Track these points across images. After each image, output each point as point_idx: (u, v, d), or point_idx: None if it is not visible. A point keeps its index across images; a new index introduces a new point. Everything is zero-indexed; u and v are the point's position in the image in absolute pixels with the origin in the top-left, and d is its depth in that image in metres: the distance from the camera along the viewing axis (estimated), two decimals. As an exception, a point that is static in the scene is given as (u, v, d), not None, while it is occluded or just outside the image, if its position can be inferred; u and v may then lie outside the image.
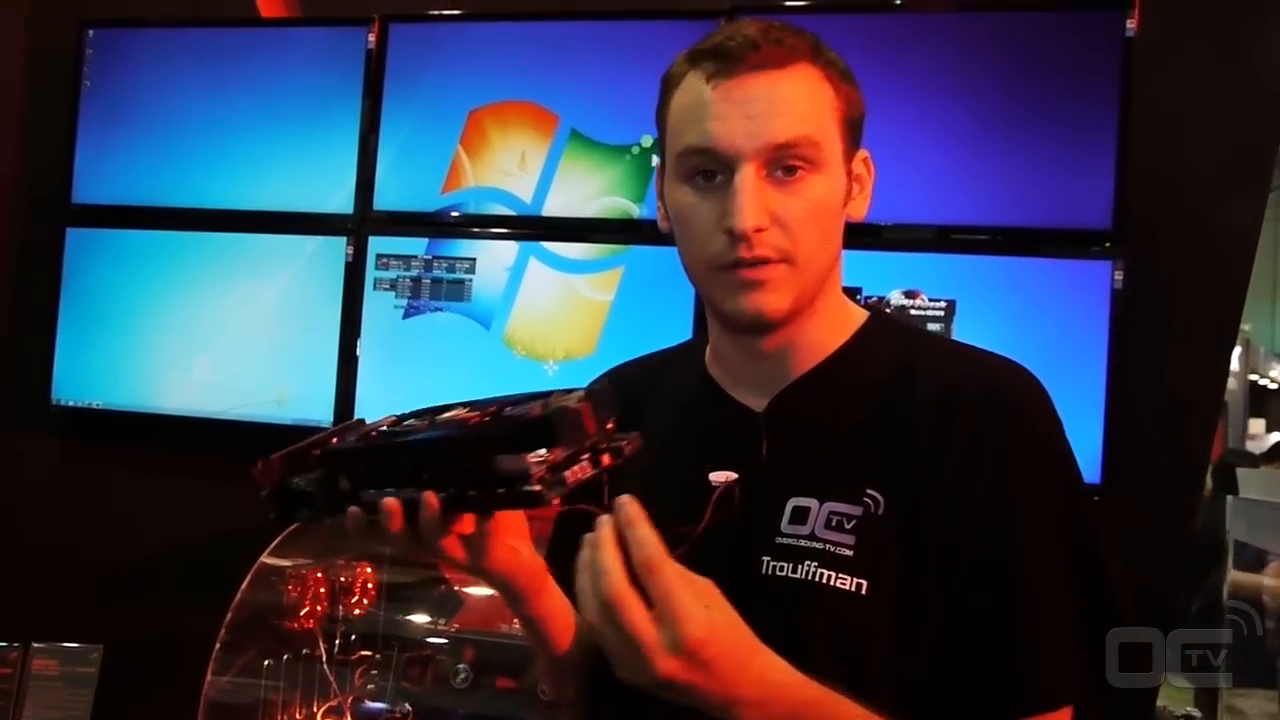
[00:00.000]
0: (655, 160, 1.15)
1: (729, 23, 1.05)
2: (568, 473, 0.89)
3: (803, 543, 1.03)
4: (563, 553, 1.20)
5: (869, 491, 1.02)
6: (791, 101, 1.01)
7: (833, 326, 1.11)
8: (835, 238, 1.07)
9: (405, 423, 1.01)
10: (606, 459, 0.93)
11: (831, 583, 1.00)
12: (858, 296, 2.22)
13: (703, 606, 0.86)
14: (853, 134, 1.07)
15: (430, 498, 0.92)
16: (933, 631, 0.99)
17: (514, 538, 1.04)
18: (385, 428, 1.01)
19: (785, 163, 1.01)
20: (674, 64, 1.09)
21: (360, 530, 0.97)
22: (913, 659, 0.99)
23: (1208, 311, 2.31)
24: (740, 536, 1.06)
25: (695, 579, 0.88)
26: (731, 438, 1.10)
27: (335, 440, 1.02)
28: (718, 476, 1.08)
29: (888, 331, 1.14)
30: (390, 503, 0.94)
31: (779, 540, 1.04)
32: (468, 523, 0.98)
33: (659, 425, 1.16)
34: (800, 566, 1.02)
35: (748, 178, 1.00)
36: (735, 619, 0.89)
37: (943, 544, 0.99)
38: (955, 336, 2.26)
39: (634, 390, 1.21)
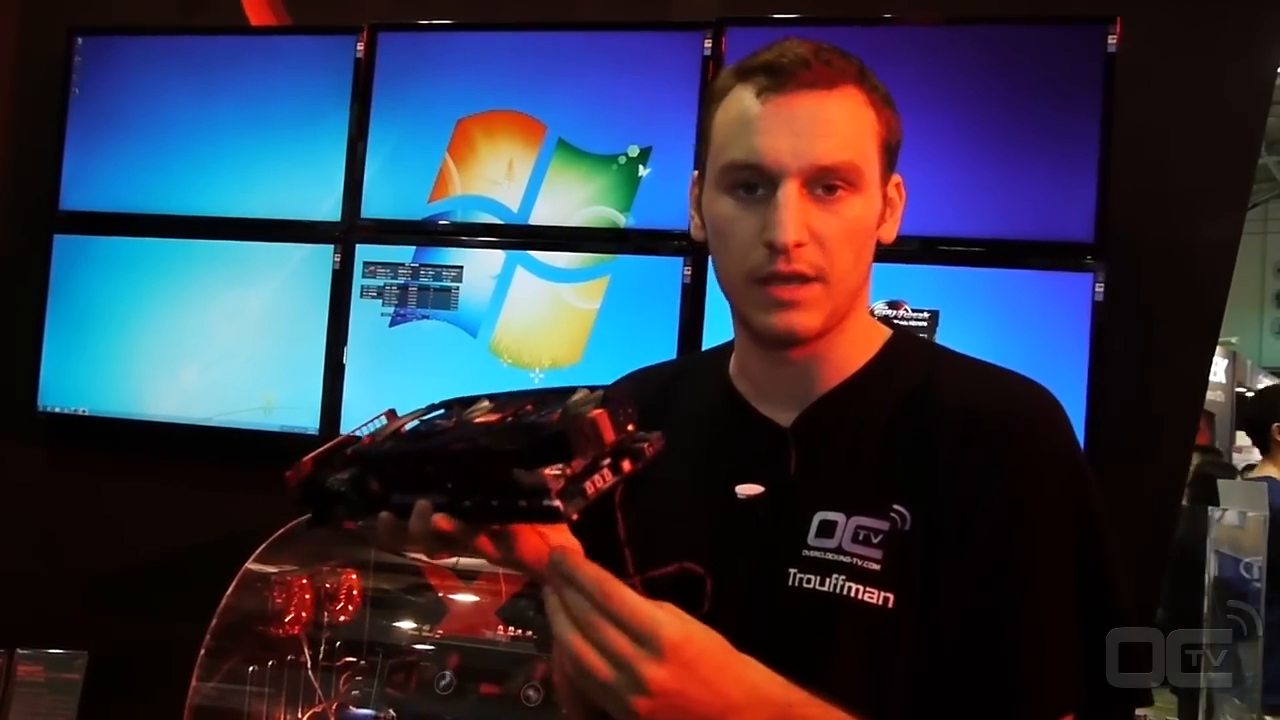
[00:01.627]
0: (694, 172, 1.15)
1: (779, 41, 1.06)
2: (588, 483, 0.89)
3: (830, 556, 1.04)
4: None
5: (895, 506, 1.03)
6: (837, 124, 1.03)
7: (858, 344, 1.12)
8: (867, 258, 1.08)
9: (433, 416, 1.00)
10: (627, 465, 0.92)
11: (859, 596, 1.01)
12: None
13: (670, 612, 0.87)
14: (890, 158, 1.09)
15: (440, 520, 0.93)
16: (952, 645, 1.00)
17: (548, 529, 1.05)
18: (414, 423, 1.01)
19: (826, 182, 1.03)
20: (720, 77, 1.10)
21: (391, 533, 0.98)
22: (934, 672, 1.00)
23: (1187, 324, 2.33)
24: (766, 549, 1.07)
25: (656, 601, 0.88)
26: (758, 453, 1.11)
27: (367, 440, 1.02)
28: (745, 490, 1.09)
29: (910, 349, 1.15)
30: (422, 506, 0.94)
31: (806, 553, 1.05)
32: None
33: (681, 436, 1.15)
34: (828, 579, 1.03)
35: (790, 193, 1.02)
36: (704, 625, 0.89)
37: (956, 557, 1.01)
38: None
39: (655, 399, 1.22)
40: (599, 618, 0.85)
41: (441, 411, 1.01)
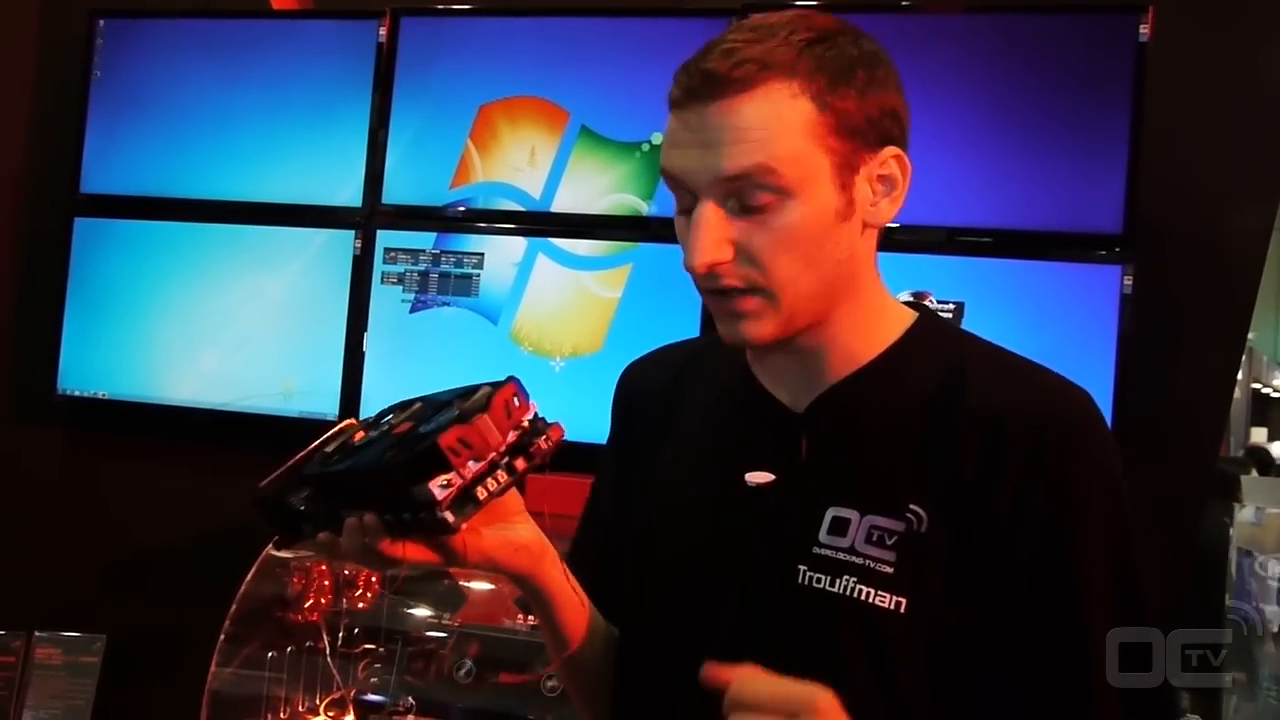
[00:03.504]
0: None
1: (715, 38, 0.99)
2: (480, 488, 0.90)
3: (841, 556, 1.01)
4: (583, 555, 1.20)
5: (912, 507, 1.00)
6: (745, 130, 0.95)
7: (871, 330, 1.06)
8: (830, 255, 1.00)
9: (383, 425, 1.01)
10: (521, 463, 0.93)
11: (871, 599, 0.98)
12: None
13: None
14: (861, 139, 0.99)
15: (327, 540, 0.97)
16: (970, 653, 0.98)
17: (501, 520, 1.02)
18: (368, 433, 1.01)
19: (746, 193, 0.96)
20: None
21: (331, 550, 0.99)
22: (949, 678, 0.98)
23: (1216, 317, 2.31)
24: (776, 542, 1.04)
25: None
26: (770, 438, 1.08)
27: (307, 457, 1.03)
28: (754, 477, 1.06)
29: (935, 337, 1.09)
30: (350, 524, 0.96)
31: (817, 551, 1.02)
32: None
33: (694, 416, 1.15)
34: (838, 580, 1.00)
35: (703, 213, 0.97)
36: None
37: (994, 574, 0.98)
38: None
39: (672, 378, 1.20)
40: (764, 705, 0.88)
41: (390, 417, 1.01)
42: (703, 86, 0.96)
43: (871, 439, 1.04)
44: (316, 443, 1.04)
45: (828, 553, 1.01)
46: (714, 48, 0.98)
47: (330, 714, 2.38)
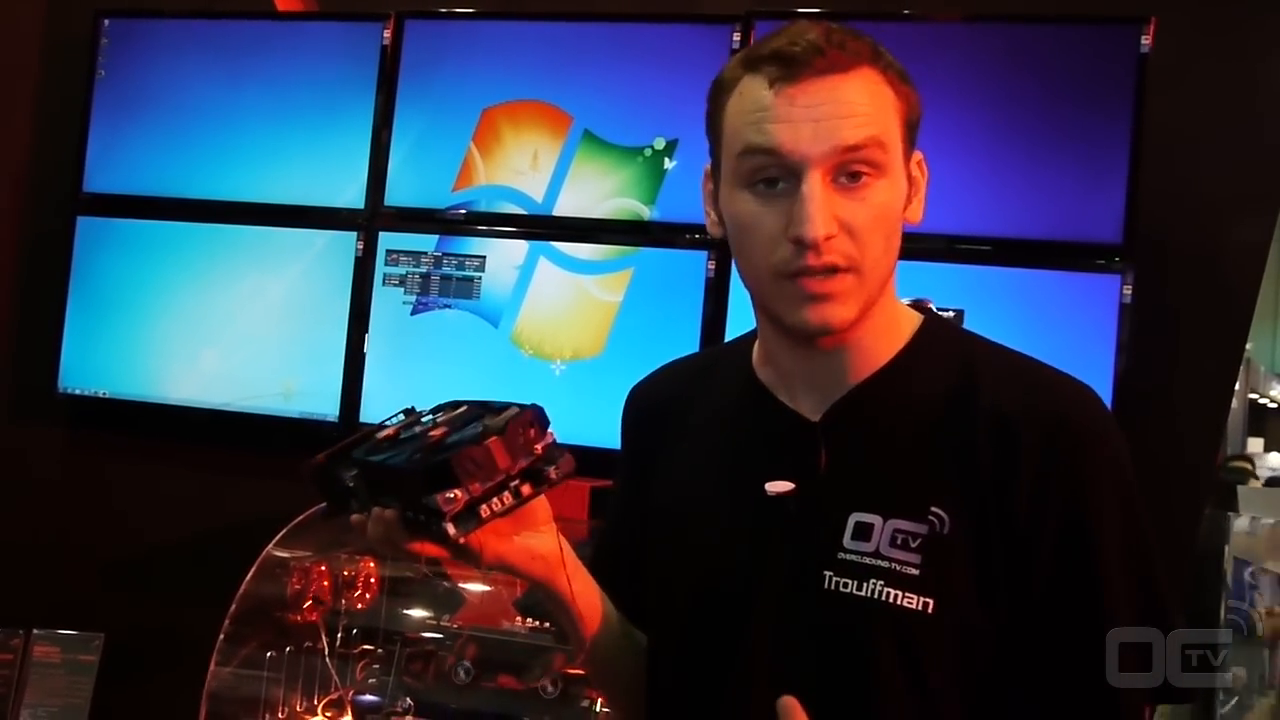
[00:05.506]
0: (705, 166, 1.13)
1: (787, 26, 1.02)
2: (484, 507, 0.95)
3: (867, 560, 1.01)
4: (603, 567, 1.21)
5: (934, 509, 1.01)
6: (857, 104, 0.99)
7: (888, 332, 1.08)
8: (896, 243, 1.04)
9: (426, 422, 1.06)
10: (527, 489, 0.97)
11: (898, 601, 0.99)
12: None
13: None
14: (911, 136, 1.06)
15: (359, 522, 1.02)
16: (993, 654, 1.00)
17: (527, 527, 1.05)
18: (411, 429, 1.06)
19: (851, 168, 0.99)
20: (726, 69, 1.06)
21: (360, 533, 1.03)
22: (976, 677, 1.00)
23: (1215, 327, 2.31)
24: (800, 550, 1.05)
25: None
26: (787, 448, 1.08)
27: (365, 438, 1.08)
28: (774, 487, 1.06)
29: (943, 338, 1.12)
30: (377, 514, 1.01)
31: (842, 556, 1.02)
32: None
33: (707, 432, 1.16)
34: (865, 584, 1.01)
35: (815, 184, 0.98)
36: None
37: (1014, 576, 0.99)
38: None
39: (682, 394, 1.21)
40: None
41: (435, 417, 1.07)
42: (815, 61, 0.99)
43: (889, 443, 1.05)
44: (377, 424, 1.09)
45: (853, 557, 1.02)
46: (798, 33, 1.01)
47: (328, 714, 2.38)
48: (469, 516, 0.94)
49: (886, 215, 1.01)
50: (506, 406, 0.98)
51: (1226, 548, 3.02)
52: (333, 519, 1.12)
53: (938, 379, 1.06)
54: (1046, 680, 1.00)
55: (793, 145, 0.98)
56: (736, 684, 1.06)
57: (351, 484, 1.05)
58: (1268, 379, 10.79)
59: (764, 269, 1.02)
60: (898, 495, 1.02)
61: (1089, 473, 1.00)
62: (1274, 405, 11.24)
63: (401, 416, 1.10)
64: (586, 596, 1.12)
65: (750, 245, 1.03)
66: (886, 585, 1.00)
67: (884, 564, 1.01)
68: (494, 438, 0.94)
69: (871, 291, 1.02)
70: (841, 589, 1.02)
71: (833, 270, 0.99)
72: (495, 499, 0.95)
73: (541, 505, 1.06)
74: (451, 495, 0.93)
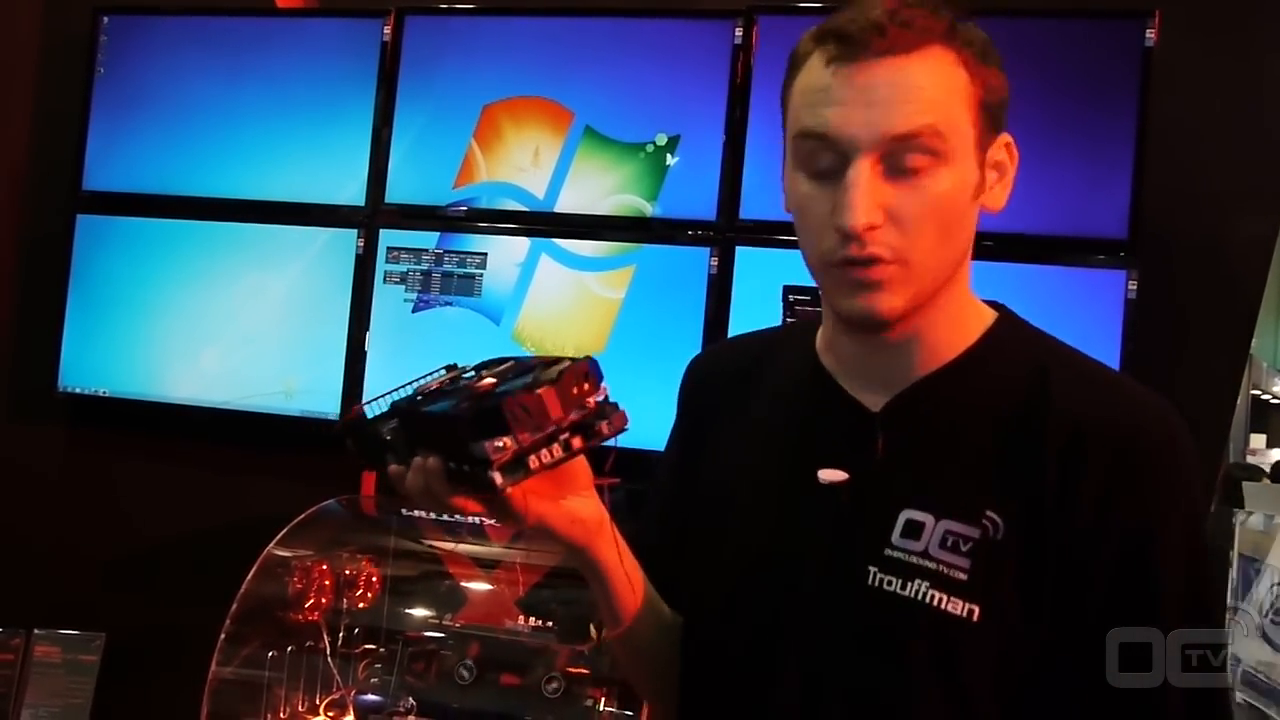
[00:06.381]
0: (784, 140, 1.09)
1: (851, 6, 0.98)
2: (533, 457, 0.92)
3: (914, 559, 0.99)
4: (645, 540, 1.18)
5: (988, 513, 0.98)
6: (916, 89, 0.95)
7: (959, 326, 1.05)
8: (960, 234, 1.00)
9: (468, 376, 1.05)
10: (578, 441, 0.94)
11: (942, 606, 0.97)
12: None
13: None
14: (992, 120, 1.01)
15: (397, 473, 1.00)
16: (1034, 667, 0.97)
17: (568, 491, 1.03)
18: (455, 380, 1.05)
19: (905, 155, 0.95)
20: (801, 41, 1.02)
21: (399, 484, 1.01)
22: (1016, 685, 0.97)
23: (1220, 322, 2.30)
24: (847, 542, 1.02)
25: None
26: (844, 436, 1.05)
27: (406, 390, 1.07)
28: (827, 475, 1.04)
29: (1017, 338, 1.08)
30: (416, 464, 0.98)
31: (889, 553, 1.00)
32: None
33: (768, 406, 1.13)
34: (910, 584, 0.98)
35: (862, 171, 0.94)
36: None
37: (1065, 590, 0.96)
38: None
39: (743, 368, 1.18)
40: None
41: (481, 371, 1.04)
42: (874, 42, 0.95)
43: (949, 441, 1.02)
44: (417, 378, 1.08)
45: (900, 555, 1.00)
46: (864, 10, 0.96)
47: (330, 714, 2.37)
48: (517, 466, 0.92)
49: (944, 205, 0.97)
50: (558, 360, 0.96)
51: (1234, 544, 3.01)
52: (368, 469, 1.10)
53: (1008, 379, 1.03)
54: (1090, 692, 0.96)
55: (841, 127, 0.95)
56: (769, 673, 1.04)
57: (389, 436, 1.03)
58: (1270, 375, 10.78)
59: (815, 256, 1.00)
60: (952, 496, 0.99)
61: (1160, 491, 0.97)
62: (1276, 401, 11.24)
63: (443, 372, 1.08)
64: (625, 568, 1.09)
65: (804, 230, 1.01)
66: (932, 588, 0.98)
67: (931, 565, 0.98)
68: (547, 386, 0.91)
69: (924, 283, 0.98)
70: (885, 587, 0.99)
71: (877, 261, 0.96)
72: (544, 450, 0.92)
73: (583, 469, 1.04)
74: (500, 444, 0.90)
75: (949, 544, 0.98)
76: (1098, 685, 0.96)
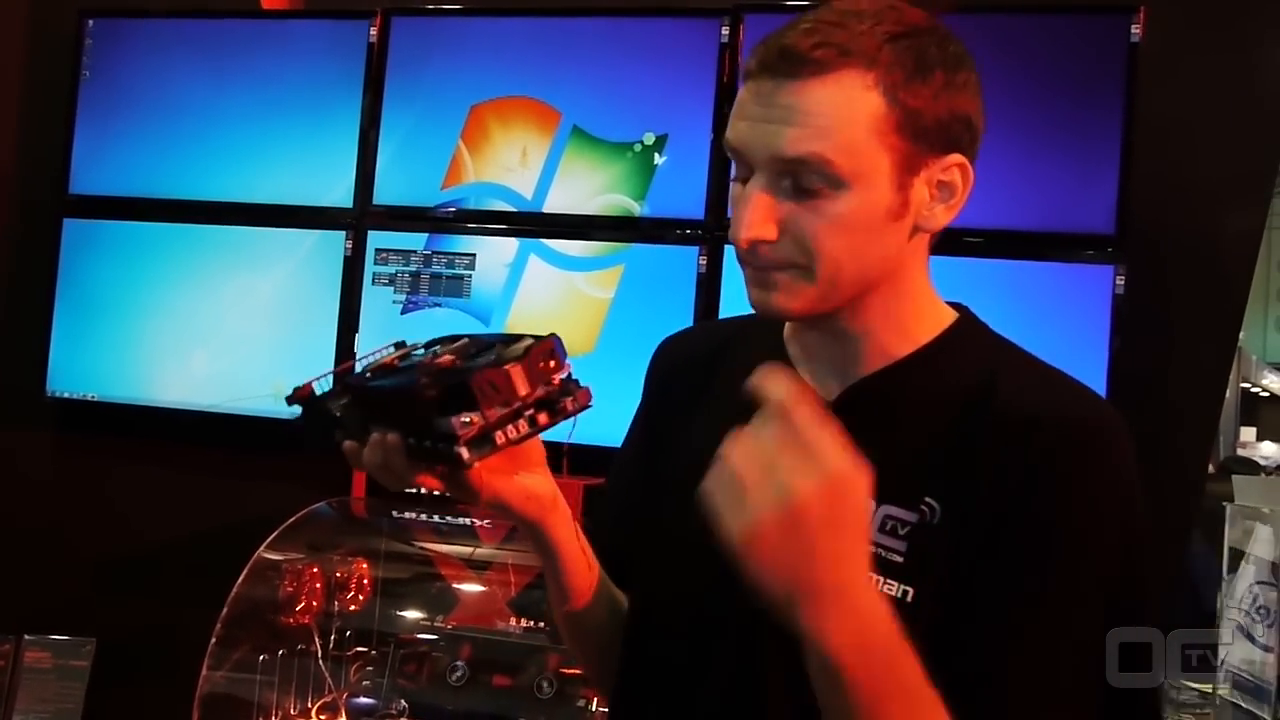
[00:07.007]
0: None
1: (800, 15, 0.98)
2: (499, 433, 0.93)
3: None
4: (600, 519, 1.20)
5: (927, 499, 1.00)
6: (810, 116, 0.95)
7: (909, 327, 1.06)
8: (873, 251, 1.00)
9: (422, 353, 1.05)
10: (544, 418, 0.95)
11: (879, 587, 0.98)
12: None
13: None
14: (926, 140, 1.00)
15: (352, 450, 1.01)
16: (967, 645, 0.97)
17: (522, 468, 1.05)
18: (410, 357, 1.06)
19: (801, 176, 0.96)
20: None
21: (355, 460, 1.02)
22: (949, 666, 0.95)
23: (1208, 316, 2.31)
24: None
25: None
26: None
27: (352, 368, 1.07)
28: None
29: (973, 340, 1.09)
30: (375, 439, 0.99)
31: None
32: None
33: (731, 391, 1.14)
34: None
35: (755, 187, 0.97)
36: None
37: (980, 558, 0.97)
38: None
39: (711, 352, 1.20)
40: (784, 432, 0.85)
41: (436, 347, 1.05)
42: (779, 62, 0.96)
43: (896, 433, 1.04)
44: (364, 355, 1.08)
45: None
46: (797, 25, 0.97)
47: (322, 717, 2.37)
48: (483, 442, 0.93)
49: (846, 226, 0.97)
50: (519, 338, 0.97)
51: (1225, 537, 3.02)
52: (314, 448, 1.10)
53: (957, 377, 1.05)
54: (966, 668, 0.96)
55: (742, 143, 0.98)
56: (708, 652, 1.06)
57: (339, 413, 1.03)
58: (1259, 367, 10.82)
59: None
60: (895, 482, 1.00)
61: (1087, 481, 0.98)
62: (1265, 394, 11.28)
63: (392, 349, 1.08)
64: (575, 545, 1.11)
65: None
66: (871, 569, 0.98)
67: (871, 549, 0.98)
68: (514, 362, 0.92)
69: (830, 289, 0.99)
70: None
71: (775, 266, 0.99)
72: (510, 426, 0.93)
73: (536, 446, 1.06)
74: (468, 419, 0.91)
75: (888, 528, 1.00)
76: (970, 641, 0.97)
